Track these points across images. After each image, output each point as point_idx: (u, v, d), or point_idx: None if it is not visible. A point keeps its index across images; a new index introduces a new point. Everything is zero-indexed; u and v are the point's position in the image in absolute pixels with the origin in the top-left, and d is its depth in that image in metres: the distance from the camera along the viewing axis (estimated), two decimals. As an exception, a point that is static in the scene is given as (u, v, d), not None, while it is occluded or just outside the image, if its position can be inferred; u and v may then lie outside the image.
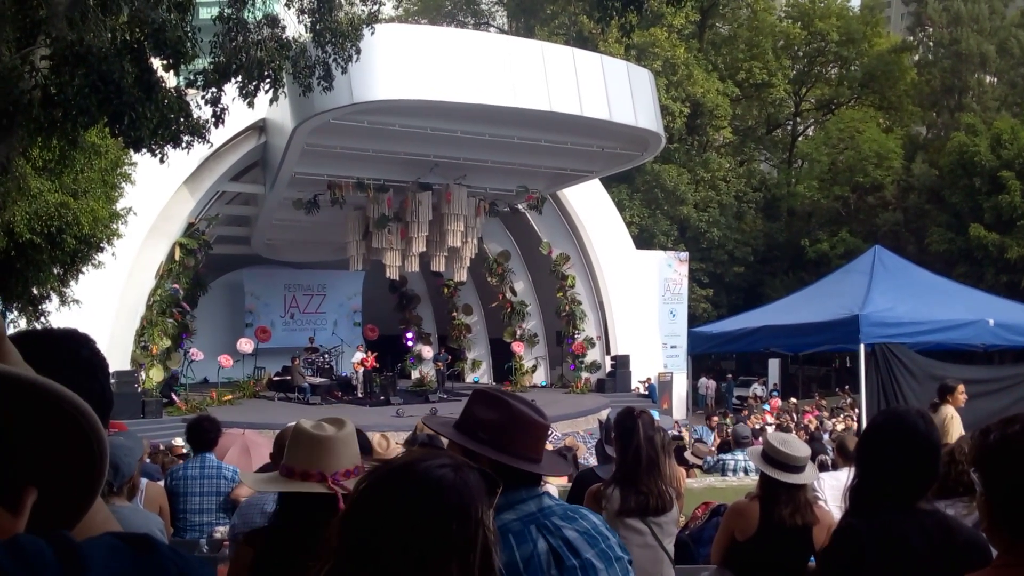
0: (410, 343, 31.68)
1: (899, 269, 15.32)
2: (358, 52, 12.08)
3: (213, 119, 10.59)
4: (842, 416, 19.83)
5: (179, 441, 14.26)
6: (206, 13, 15.02)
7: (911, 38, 44.57)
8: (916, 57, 44.59)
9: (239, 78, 10.53)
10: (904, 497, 2.80)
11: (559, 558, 2.14)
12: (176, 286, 22.97)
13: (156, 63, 9.63)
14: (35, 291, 13.56)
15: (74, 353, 1.46)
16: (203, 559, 5.16)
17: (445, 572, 1.40)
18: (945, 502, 3.78)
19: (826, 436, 14.47)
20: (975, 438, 1.98)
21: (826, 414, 21.37)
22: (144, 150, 10.10)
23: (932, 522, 2.78)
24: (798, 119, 48.73)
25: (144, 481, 5.84)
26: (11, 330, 1.48)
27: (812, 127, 49.21)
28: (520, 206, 26.80)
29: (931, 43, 43.80)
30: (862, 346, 12.66)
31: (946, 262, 33.43)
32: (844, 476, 4.86)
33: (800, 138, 48.34)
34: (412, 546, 1.41)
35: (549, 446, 2.65)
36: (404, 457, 1.55)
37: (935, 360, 13.51)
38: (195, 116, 10.34)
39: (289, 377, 25.97)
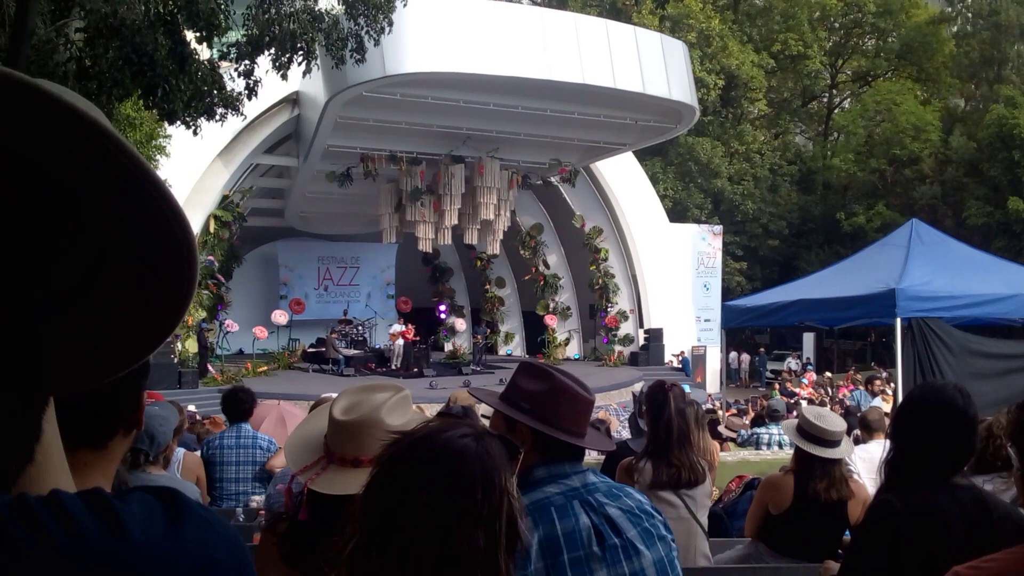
0: (443, 316, 31.83)
1: (936, 243, 15.06)
2: (391, 24, 12.05)
3: (246, 91, 10.63)
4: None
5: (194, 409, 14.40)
6: (239, -15, 15.03)
7: (949, 9, 43.83)
8: (954, 28, 43.88)
9: (272, 50, 10.56)
10: (941, 472, 2.76)
11: (601, 536, 2.12)
12: (211, 258, 23.16)
13: (189, 35, 9.67)
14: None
15: None
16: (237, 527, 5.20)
17: (471, 541, 1.39)
18: (983, 477, 3.74)
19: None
20: (1012, 412, 1.95)
21: (862, 387, 21.13)
22: (178, 122, 10.17)
23: (969, 497, 2.74)
24: (834, 91, 48.12)
25: (181, 451, 5.89)
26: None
27: (848, 99, 48.55)
28: (553, 179, 26.75)
29: (970, 14, 43.12)
30: (898, 320, 12.50)
31: (984, 235, 33.02)
32: (876, 450, 4.83)
33: (836, 110, 47.76)
34: (437, 517, 1.39)
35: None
36: (424, 428, 1.52)
37: (973, 334, 13.35)
38: (228, 88, 10.38)
39: (323, 349, 26.17)
